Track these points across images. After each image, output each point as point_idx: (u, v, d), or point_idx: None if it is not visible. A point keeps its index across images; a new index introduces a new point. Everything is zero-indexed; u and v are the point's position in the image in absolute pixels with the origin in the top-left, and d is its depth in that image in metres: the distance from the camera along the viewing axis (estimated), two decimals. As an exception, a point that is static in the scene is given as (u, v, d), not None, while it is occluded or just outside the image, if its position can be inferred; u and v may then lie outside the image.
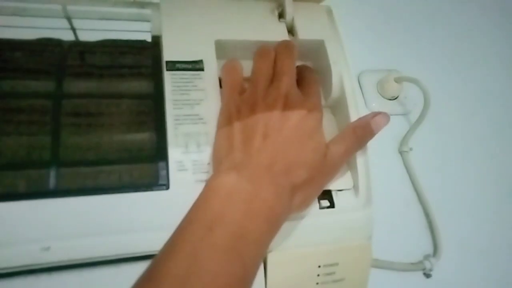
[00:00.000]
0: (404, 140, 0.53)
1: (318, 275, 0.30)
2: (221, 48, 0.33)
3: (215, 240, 0.22)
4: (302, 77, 0.33)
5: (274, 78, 0.29)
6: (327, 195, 0.31)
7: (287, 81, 0.29)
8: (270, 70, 0.30)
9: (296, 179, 0.26)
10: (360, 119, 0.31)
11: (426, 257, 0.46)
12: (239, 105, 0.29)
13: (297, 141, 0.27)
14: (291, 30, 0.35)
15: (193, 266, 0.21)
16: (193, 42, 0.32)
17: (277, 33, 0.34)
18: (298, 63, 0.36)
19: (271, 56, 0.30)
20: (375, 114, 0.30)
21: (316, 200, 0.30)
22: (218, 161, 0.28)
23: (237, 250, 0.23)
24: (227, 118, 0.29)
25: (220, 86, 0.32)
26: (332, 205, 0.31)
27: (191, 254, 0.22)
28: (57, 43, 0.32)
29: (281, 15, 0.35)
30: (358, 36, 0.58)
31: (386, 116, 0.30)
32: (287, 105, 0.28)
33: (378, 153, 0.53)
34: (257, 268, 0.24)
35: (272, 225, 0.25)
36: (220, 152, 0.28)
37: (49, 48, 0.32)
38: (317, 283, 0.30)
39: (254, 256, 0.24)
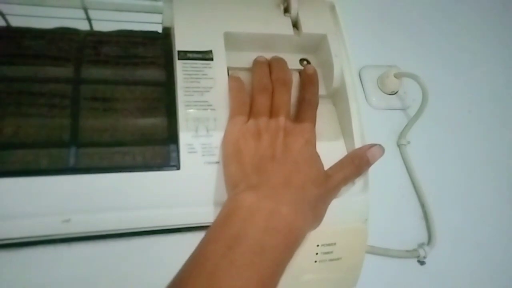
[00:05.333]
0: (402, 134, 0.55)
1: (317, 253, 0.32)
2: (230, 39, 0.34)
3: (234, 258, 0.23)
4: (302, 99, 0.35)
5: (272, 110, 0.32)
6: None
7: (283, 118, 0.31)
8: (268, 103, 0.32)
9: (311, 195, 0.28)
10: (357, 149, 0.33)
11: (421, 245, 0.48)
12: (245, 133, 0.30)
13: (303, 163, 0.29)
14: (295, 24, 0.37)
15: (212, 283, 0.22)
16: (203, 34, 0.34)
17: (282, 27, 0.36)
18: (302, 56, 0.38)
19: (269, 90, 0.33)
20: (371, 146, 0.32)
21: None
22: (233, 185, 0.29)
23: (256, 266, 0.23)
24: (235, 144, 0.30)
25: (228, 74, 0.34)
26: (331, 189, 0.32)
27: (211, 272, 0.23)
28: (74, 32, 0.34)
29: (286, 10, 0.37)
30: (360, 33, 0.59)
31: (381, 148, 0.32)
32: (286, 136, 0.30)
33: (377, 146, 0.55)
34: (275, 283, 0.24)
35: (291, 241, 0.26)
36: (233, 177, 0.29)
37: (66, 37, 0.34)
38: (316, 261, 0.32)
39: (272, 272, 0.24)
